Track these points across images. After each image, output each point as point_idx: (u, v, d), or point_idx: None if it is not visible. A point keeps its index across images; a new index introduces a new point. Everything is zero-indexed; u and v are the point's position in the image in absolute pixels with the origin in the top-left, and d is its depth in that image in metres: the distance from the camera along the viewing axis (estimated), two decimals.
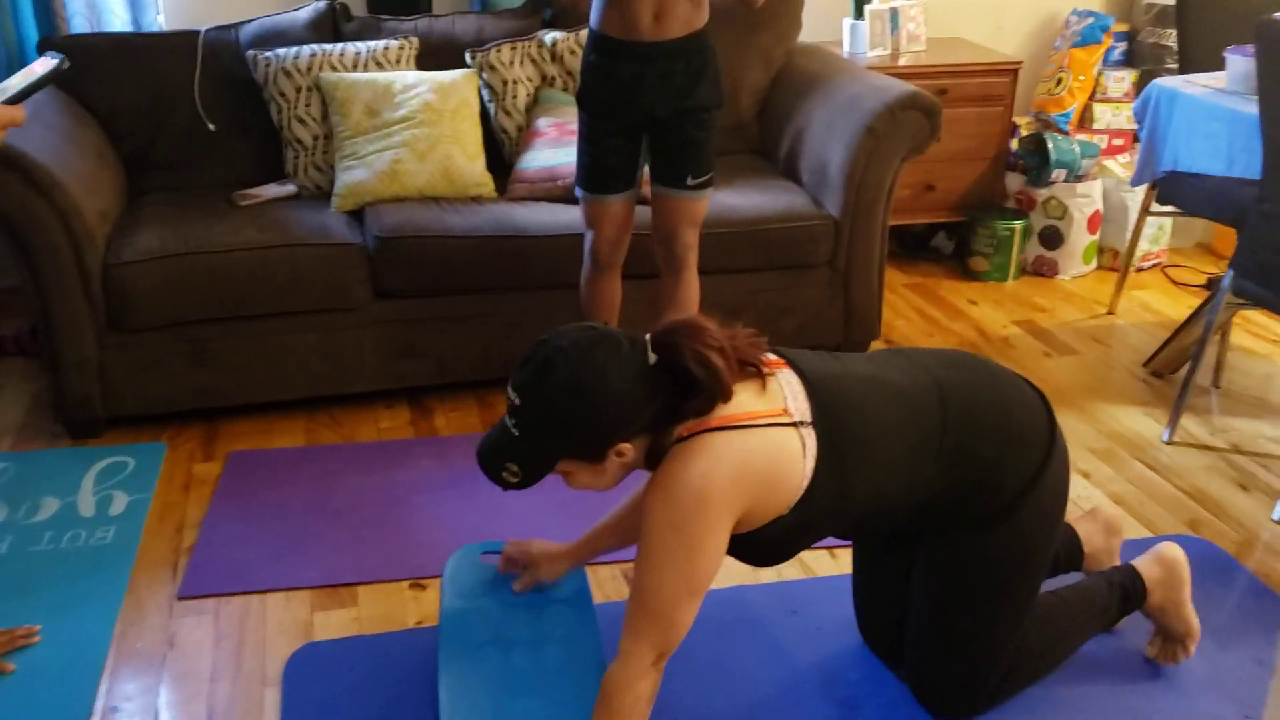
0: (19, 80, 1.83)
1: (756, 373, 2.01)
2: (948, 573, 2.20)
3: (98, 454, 3.27)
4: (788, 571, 2.76)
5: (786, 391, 2.00)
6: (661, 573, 1.92)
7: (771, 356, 2.07)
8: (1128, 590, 2.38)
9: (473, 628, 2.33)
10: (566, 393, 1.91)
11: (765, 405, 1.97)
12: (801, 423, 1.97)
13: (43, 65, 1.85)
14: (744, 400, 1.97)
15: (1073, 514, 2.88)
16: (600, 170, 3.09)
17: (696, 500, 1.90)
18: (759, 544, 2.05)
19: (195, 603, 2.66)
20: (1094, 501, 3.02)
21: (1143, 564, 2.41)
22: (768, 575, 2.74)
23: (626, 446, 1.95)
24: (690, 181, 3.07)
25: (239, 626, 2.58)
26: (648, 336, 1.98)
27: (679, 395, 1.95)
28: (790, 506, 1.99)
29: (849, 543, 2.83)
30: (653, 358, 1.95)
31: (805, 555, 2.81)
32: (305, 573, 2.75)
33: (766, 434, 1.95)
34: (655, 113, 3.00)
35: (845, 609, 2.56)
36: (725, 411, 1.95)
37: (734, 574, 2.74)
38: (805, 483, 1.97)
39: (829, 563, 2.79)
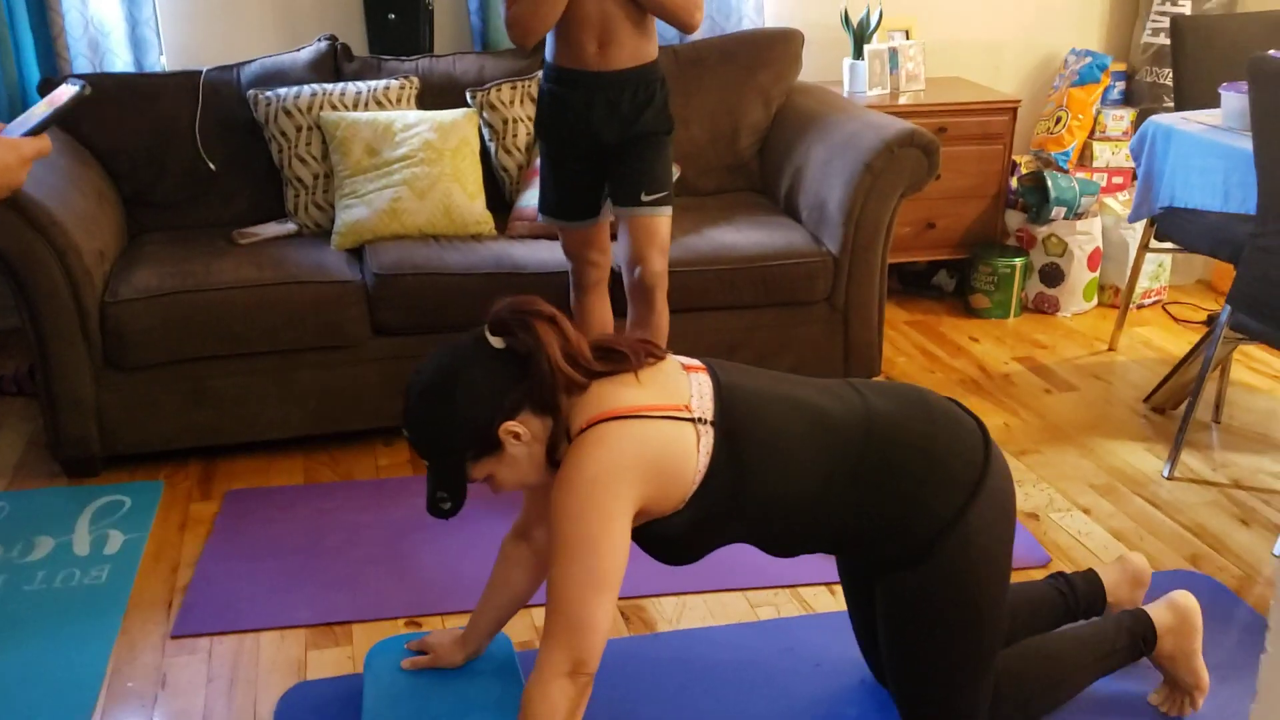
0: (43, 109, 1.82)
1: (654, 363, 2.06)
2: (893, 612, 2.18)
3: (94, 493, 3.26)
4: (785, 608, 2.74)
5: (694, 390, 2.03)
6: (567, 567, 1.91)
7: (693, 362, 2.10)
8: (1136, 635, 2.35)
9: (397, 706, 2.31)
10: (427, 400, 2.00)
11: (667, 400, 2.00)
12: (700, 420, 1.99)
13: (65, 93, 1.85)
14: (645, 394, 2.00)
15: (1102, 559, 2.89)
16: (565, 197, 3.19)
17: (592, 486, 1.91)
18: (660, 539, 2.07)
19: (188, 641, 2.64)
20: (1095, 539, 3.01)
21: (1155, 610, 2.37)
22: (765, 612, 2.72)
23: (515, 426, 1.98)
24: (645, 197, 3.09)
25: (231, 665, 2.56)
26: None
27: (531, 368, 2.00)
28: (685, 500, 2.00)
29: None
30: (497, 341, 2.01)
31: (803, 592, 2.79)
32: (300, 611, 2.74)
33: (662, 425, 1.97)
34: (604, 138, 3.09)
35: (843, 645, 2.54)
36: (623, 403, 1.97)
37: (730, 613, 2.73)
38: (699, 477, 1.99)
39: (828, 599, 2.77)
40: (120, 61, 4.02)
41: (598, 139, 3.10)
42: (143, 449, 3.38)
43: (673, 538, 2.06)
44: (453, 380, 1.99)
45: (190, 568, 2.92)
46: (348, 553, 2.97)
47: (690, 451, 1.98)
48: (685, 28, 3.07)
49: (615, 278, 3.35)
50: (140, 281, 3.31)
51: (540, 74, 3.20)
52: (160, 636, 2.66)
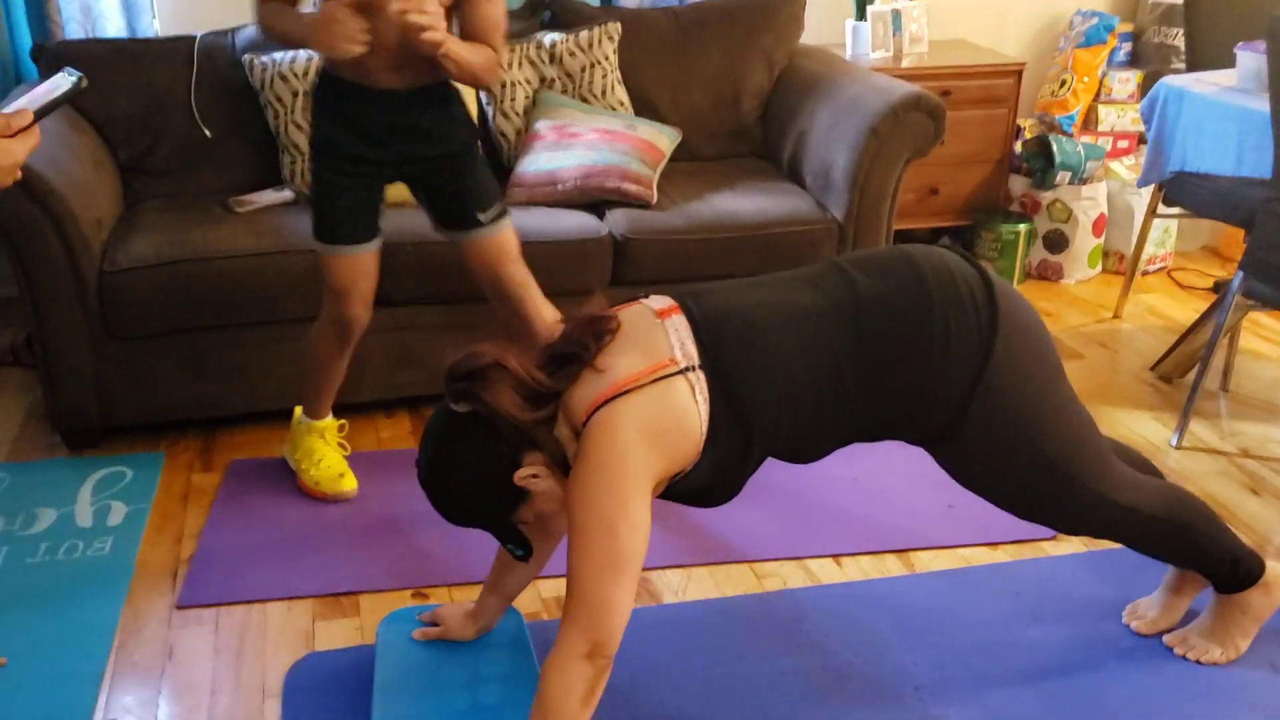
0: (41, 95, 1.76)
1: (601, 342, 2.00)
2: (957, 473, 2.19)
3: (95, 464, 3.23)
4: (792, 579, 2.72)
5: (673, 339, 1.99)
6: (584, 550, 1.89)
7: (666, 303, 2.06)
8: (1253, 562, 2.34)
9: (408, 678, 2.32)
10: (441, 493, 2.07)
11: (650, 361, 1.96)
12: (689, 368, 1.96)
13: (63, 83, 1.78)
14: (627, 362, 1.97)
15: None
16: (347, 218, 2.83)
17: (603, 471, 1.90)
18: (690, 493, 2.06)
19: (195, 613, 2.62)
20: None
21: (1270, 562, 2.38)
22: (771, 584, 2.71)
23: (527, 471, 1.99)
24: (481, 218, 2.89)
25: (239, 637, 2.54)
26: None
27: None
28: (699, 451, 1.98)
29: (853, 552, 2.81)
30: (461, 407, 2.00)
31: (810, 563, 2.78)
32: (306, 582, 2.72)
33: (654, 390, 1.94)
34: (405, 161, 2.83)
35: (850, 616, 2.53)
36: (608, 382, 1.95)
37: (737, 582, 2.71)
38: (704, 425, 1.96)
39: (834, 570, 2.76)
40: (113, 26, 3.97)
41: (398, 164, 2.83)
42: (142, 419, 3.34)
43: (702, 488, 2.05)
44: (449, 465, 2.02)
45: (194, 539, 2.89)
46: (352, 523, 2.94)
47: (689, 405, 1.95)
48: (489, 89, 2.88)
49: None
50: (138, 250, 3.26)
51: (315, 84, 2.83)
52: (166, 608, 2.64)
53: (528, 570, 2.37)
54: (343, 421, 3.20)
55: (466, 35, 2.75)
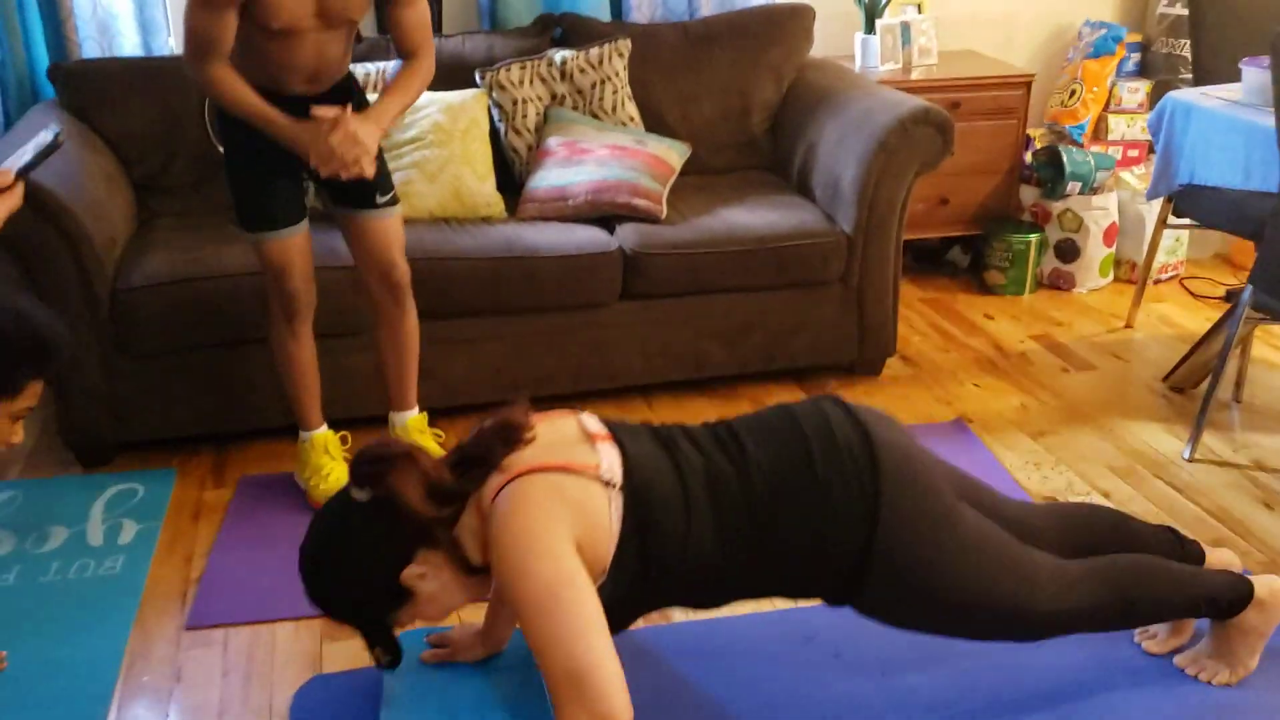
0: (26, 152, 1.80)
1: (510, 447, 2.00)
2: (884, 623, 2.19)
3: (107, 481, 3.25)
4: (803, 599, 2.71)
5: (604, 459, 2.00)
6: (540, 627, 1.82)
7: (600, 430, 2.07)
8: (1236, 591, 2.31)
9: (416, 700, 2.31)
10: (321, 578, 2.04)
11: (572, 459, 1.97)
12: (610, 484, 1.96)
13: (45, 136, 1.83)
14: (546, 454, 1.98)
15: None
16: (273, 203, 2.89)
17: (524, 538, 1.87)
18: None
19: (203, 633, 2.64)
20: None
21: (1257, 580, 2.36)
22: (781, 603, 2.70)
23: (416, 569, 1.98)
24: (380, 199, 2.98)
25: (247, 658, 2.56)
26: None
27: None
28: (606, 569, 1.97)
29: None
30: (363, 494, 1.98)
31: None
32: None
33: (571, 478, 1.94)
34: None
35: (863, 635, 2.53)
36: (525, 464, 1.95)
37: (748, 603, 2.70)
38: (614, 542, 1.96)
39: None
40: (129, 44, 3.99)
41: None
42: (155, 436, 3.36)
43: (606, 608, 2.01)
44: (339, 551, 2.00)
45: (204, 558, 2.91)
46: None
47: (603, 510, 1.95)
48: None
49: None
50: (151, 268, 3.29)
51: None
52: (175, 628, 2.66)
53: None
54: (344, 433, 3.21)
55: (395, 40, 2.88)
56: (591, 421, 2.10)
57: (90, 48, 3.92)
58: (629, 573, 1.99)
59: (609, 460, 2.00)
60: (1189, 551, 2.47)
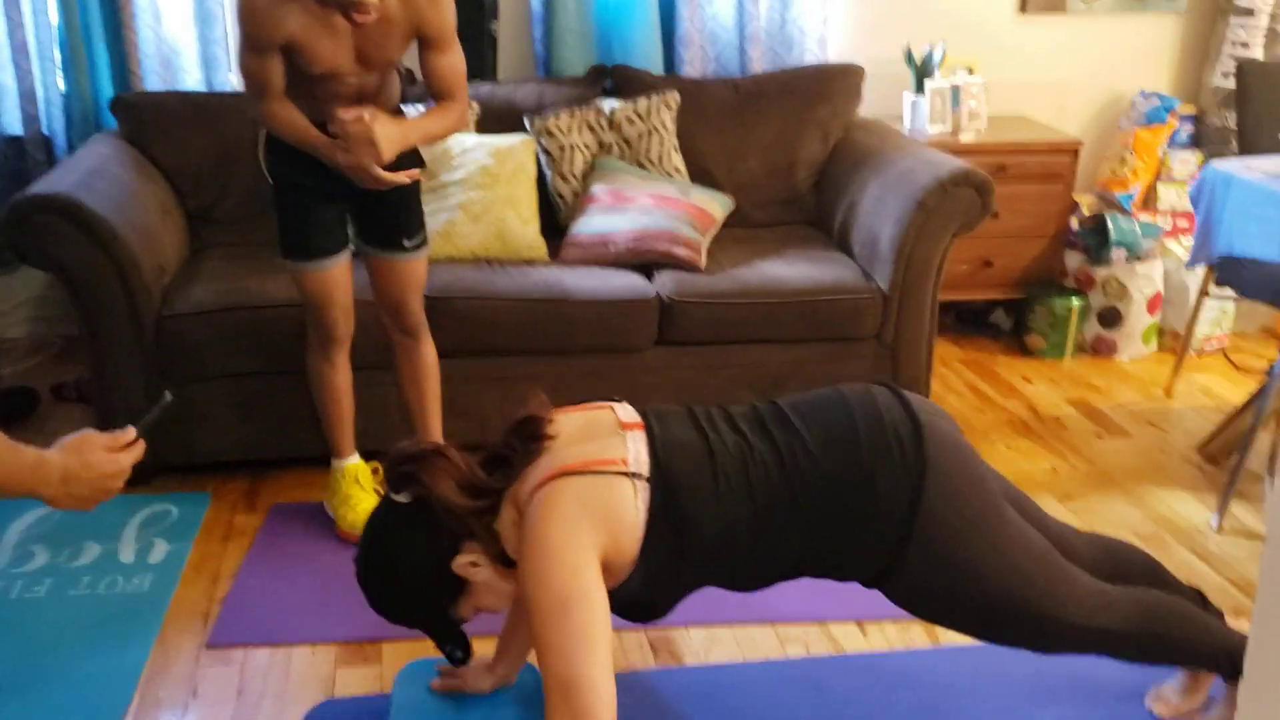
0: (146, 415, 2.03)
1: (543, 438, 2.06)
2: (907, 607, 2.19)
3: (143, 502, 3.32)
4: (815, 646, 2.73)
5: (630, 447, 2.04)
6: (547, 632, 1.88)
7: (632, 418, 2.11)
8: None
9: None
10: (378, 581, 2.10)
11: (599, 455, 2.02)
12: (636, 475, 2.01)
13: (164, 398, 2.09)
14: (578, 452, 2.02)
15: None
16: (317, 234, 2.96)
17: (547, 545, 1.92)
18: (624, 604, 2.09)
19: (223, 652, 2.69)
20: None
21: None
22: (794, 649, 2.71)
23: (465, 558, 2.03)
24: (407, 244, 3.04)
25: (262, 679, 2.60)
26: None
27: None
28: (635, 559, 2.01)
29: (878, 618, 2.81)
30: (404, 496, 2.06)
31: (834, 630, 2.78)
32: (333, 627, 2.77)
33: (597, 479, 1.99)
34: (359, 190, 2.89)
35: (872, 686, 2.53)
36: (555, 465, 2.00)
37: (759, 648, 2.72)
38: (640, 531, 2.00)
39: (858, 639, 2.76)
40: (191, 79, 4.11)
41: (351, 187, 2.87)
42: (192, 460, 3.44)
43: (635, 600, 2.08)
44: (389, 552, 2.07)
45: (230, 579, 2.97)
46: None
47: (629, 504, 1.99)
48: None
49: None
50: (196, 296, 3.37)
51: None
52: (196, 646, 2.71)
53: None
54: (376, 464, 3.26)
55: (428, 85, 2.93)
56: (624, 410, 2.15)
57: (153, 81, 4.05)
58: (662, 557, 2.03)
59: (636, 450, 2.04)
60: (1212, 614, 2.45)
